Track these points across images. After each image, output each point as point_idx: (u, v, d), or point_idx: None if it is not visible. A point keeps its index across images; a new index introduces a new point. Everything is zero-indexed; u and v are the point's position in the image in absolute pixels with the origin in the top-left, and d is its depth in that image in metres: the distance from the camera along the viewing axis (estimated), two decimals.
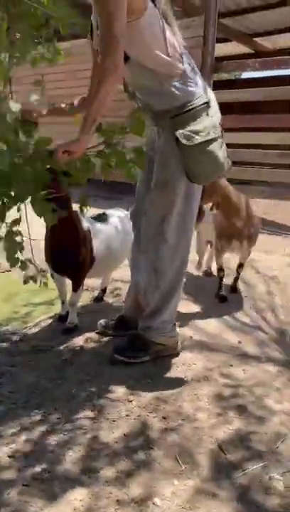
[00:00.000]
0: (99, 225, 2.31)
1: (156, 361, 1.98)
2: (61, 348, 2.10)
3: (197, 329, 2.32)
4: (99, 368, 1.93)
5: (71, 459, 1.41)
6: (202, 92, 1.77)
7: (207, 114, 1.76)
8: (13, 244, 1.51)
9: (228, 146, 1.88)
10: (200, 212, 2.09)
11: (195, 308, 2.59)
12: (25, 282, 1.88)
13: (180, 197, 1.82)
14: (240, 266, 2.81)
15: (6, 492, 1.28)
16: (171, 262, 1.91)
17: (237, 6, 6.49)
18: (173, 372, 1.93)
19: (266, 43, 8.01)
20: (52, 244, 2.11)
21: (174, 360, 2.01)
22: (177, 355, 2.04)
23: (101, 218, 2.39)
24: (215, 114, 1.79)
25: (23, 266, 1.63)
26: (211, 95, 1.82)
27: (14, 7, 1.42)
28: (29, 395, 1.74)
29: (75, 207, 1.90)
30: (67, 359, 2.00)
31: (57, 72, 5.40)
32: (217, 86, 5.24)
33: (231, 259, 2.95)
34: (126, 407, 1.67)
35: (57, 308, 2.44)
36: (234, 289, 2.82)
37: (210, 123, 1.75)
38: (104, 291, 2.68)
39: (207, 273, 3.10)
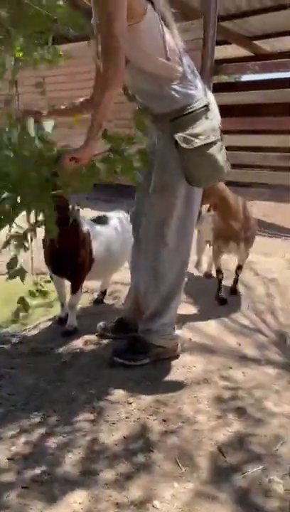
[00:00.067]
0: (98, 227, 2.31)
1: (155, 364, 1.98)
2: (60, 350, 2.10)
3: (196, 331, 2.32)
4: (99, 371, 1.93)
5: (70, 462, 1.41)
6: (201, 95, 1.77)
7: (207, 118, 1.76)
8: (17, 250, 1.51)
9: (228, 148, 1.88)
10: (198, 214, 2.09)
11: (194, 310, 2.59)
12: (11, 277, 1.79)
13: (180, 200, 1.82)
14: (239, 268, 2.81)
15: (6, 494, 1.28)
16: (171, 266, 1.91)
17: (236, 9, 6.51)
18: (173, 375, 1.93)
19: (266, 45, 8.04)
20: (50, 246, 2.11)
21: (174, 363, 2.01)
22: (177, 357, 2.04)
23: (101, 220, 2.40)
24: (214, 118, 1.79)
25: (21, 273, 1.60)
26: (211, 98, 1.82)
27: (19, 10, 1.42)
28: (28, 397, 1.74)
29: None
30: (67, 361, 2.00)
31: (58, 75, 5.42)
32: (217, 88, 5.24)
33: (230, 261, 2.95)
34: (125, 410, 1.67)
35: (56, 311, 2.44)
36: (233, 291, 2.82)
37: (209, 126, 1.75)
38: (103, 293, 2.68)
39: (208, 275, 3.10)
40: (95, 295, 2.71)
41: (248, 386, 1.85)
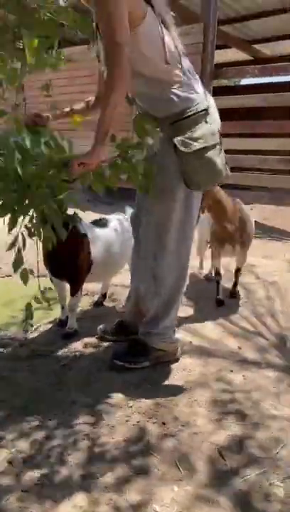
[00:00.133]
0: (97, 230, 2.31)
1: (155, 367, 1.98)
2: (60, 353, 2.10)
3: (197, 334, 2.32)
4: (99, 373, 1.93)
5: (70, 465, 1.41)
6: (201, 98, 1.77)
7: (206, 122, 1.75)
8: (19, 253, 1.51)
9: (228, 152, 1.88)
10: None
11: (195, 313, 2.58)
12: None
13: (179, 204, 1.82)
14: (238, 271, 2.82)
15: (5, 498, 1.27)
16: (171, 269, 1.91)
17: (236, 14, 6.54)
18: (173, 378, 1.92)
19: (266, 49, 8.08)
20: (49, 249, 2.11)
21: (174, 366, 2.01)
22: (177, 360, 2.04)
23: (101, 223, 2.40)
24: (213, 122, 1.79)
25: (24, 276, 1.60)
26: (211, 102, 1.82)
27: (26, 14, 1.43)
28: (28, 400, 1.73)
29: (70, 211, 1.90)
30: (67, 364, 1.99)
31: (58, 78, 5.45)
32: (217, 92, 5.26)
33: (231, 263, 2.95)
34: (125, 413, 1.67)
35: (56, 313, 2.44)
36: (233, 294, 2.82)
37: (208, 130, 1.75)
38: (104, 296, 2.68)
39: (208, 278, 3.10)
40: (95, 298, 2.71)
41: (248, 389, 1.85)
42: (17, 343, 2.18)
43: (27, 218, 1.49)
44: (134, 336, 2.04)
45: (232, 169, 1.88)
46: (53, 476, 1.36)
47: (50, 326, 2.37)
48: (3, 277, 3.05)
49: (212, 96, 1.92)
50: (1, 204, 1.40)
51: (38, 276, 1.69)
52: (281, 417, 1.67)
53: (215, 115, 1.82)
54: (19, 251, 1.50)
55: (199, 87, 1.80)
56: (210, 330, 2.38)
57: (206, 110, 1.76)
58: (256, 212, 5.17)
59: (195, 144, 1.71)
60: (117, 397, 1.76)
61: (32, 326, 2.29)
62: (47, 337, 2.25)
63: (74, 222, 2.02)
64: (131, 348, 2.00)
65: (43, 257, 2.17)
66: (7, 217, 1.45)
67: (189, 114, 1.73)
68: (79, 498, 1.28)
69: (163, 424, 1.61)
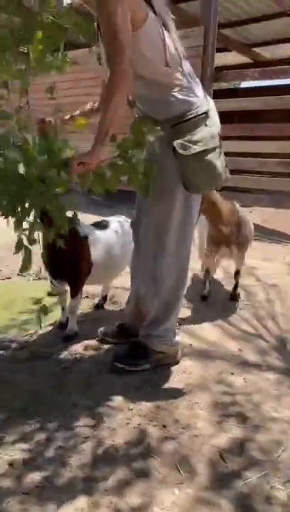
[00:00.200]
0: (98, 232, 2.31)
1: (156, 369, 1.98)
2: (61, 355, 2.09)
3: (197, 337, 2.32)
4: (99, 376, 1.92)
5: (71, 467, 1.40)
6: (201, 101, 1.77)
7: (206, 125, 1.75)
8: (27, 252, 1.51)
9: (228, 154, 1.88)
10: None
11: (195, 315, 2.58)
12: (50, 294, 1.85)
13: (179, 206, 1.82)
14: (237, 273, 2.82)
15: (6, 501, 1.27)
16: (170, 271, 1.91)
17: (236, 17, 6.57)
18: (173, 381, 1.92)
19: (265, 52, 8.11)
20: (48, 251, 2.11)
21: (174, 368, 2.00)
22: (177, 363, 2.04)
23: (101, 225, 2.40)
24: (213, 125, 1.78)
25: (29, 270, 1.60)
26: (211, 105, 1.82)
27: (30, 18, 1.43)
28: (28, 402, 1.73)
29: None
30: (67, 366, 1.99)
31: (63, 81, 5.48)
32: (218, 95, 5.28)
33: (231, 265, 2.95)
34: (126, 415, 1.67)
35: (56, 315, 2.44)
36: (233, 296, 2.82)
37: (208, 133, 1.75)
38: (104, 298, 2.68)
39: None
40: (96, 300, 2.71)
41: (248, 391, 1.85)
42: (17, 345, 2.18)
43: (27, 221, 1.50)
44: (135, 339, 2.04)
45: (232, 172, 1.89)
46: (54, 479, 1.36)
47: (50, 328, 2.37)
48: (3, 279, 3.05)
49: (213, 99, 1.93)
50: (4, 205, 1.41)
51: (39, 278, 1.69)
52: (282, 419, 1.67)
53: (214, 118, 1.82)
54: (26, 249, 1.49)
55: (199, 90, 1.80)
56: (211, 332, 2.39)
57: (206, 113, 1.76)
58: (255, 215, 5.18)
59: (195, 146, 1.71)
60: (118, 399, 1.76)
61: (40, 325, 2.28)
62: (47, 339, 2.25)
63: (74, 224, 2.02)
64: (132, 350, 2.00)
65: (43, 260, 2.17)
66: (11, 219, 1.45)
67: (189, 117, 1.73)
68: (80, 501, 1.28)
69: (164, 426, 1.61)
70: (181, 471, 1.40)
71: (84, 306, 2.62)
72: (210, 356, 2.13)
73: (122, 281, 2.75)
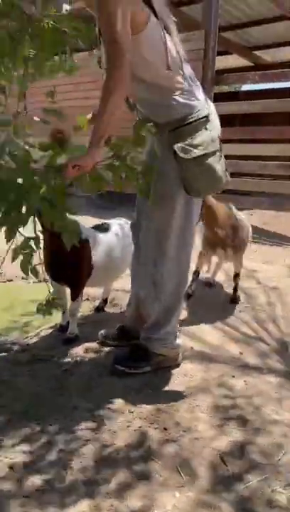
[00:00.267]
0: (98, 234, 2.32)
1: (156, 372, 1.98)
2: (61, 358, 2.09)
3: (198, 340, 2.32)
4: (100, 379, 1.92)
5: (71, 470, 1.40)
6: (202, 105, 1.77)
7: (207, 128, 1.75)
8: (26, 256, 1.50)
9: (228, 157, 1.88)
10: None
11: (196, 318, 2.58)
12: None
13: (179, 210, 1.82)
14: (236, 276, 2.83)
15: (7, 504, 1.27)
16: (171, 276, 1.91)
17: (237, 20, 6.59)
18: (174, 383, 1.92)
19: (266, 56, 8.13)
20: (49, 253, 2.12)
21: (175, 371, 2.00)
22: (178, 366, 2.04)
23: (102, 228, 2.41)
24: (214, 128, 1.78)
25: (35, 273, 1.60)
26: (211, 108, 1.82)
27: (28, 23, 1.43)
28: (29, 405, 1.73)
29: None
30: (68, 369, 1.99)
31: (66, 84, 5.49)
32: (219, 98, 5.29)
33: (231, 268, 2.95)
34: (126, 418, 1.66)
35: (57, 318, 2.44)
36: (233, 299, 2.82)
37: (208, 137, 1.75)
38: (105, 301, 2.68)
39: (208, 283, 3.10)
40: (96, 303, 2.71)
41: (249, 394, 1.84)
42: (18, 348, 2.18)
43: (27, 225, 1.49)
44: (135, 341, 2.04)
45: (232, 175, 1.89)
46: (55, 482, 1.35)
47: (50, 331, 2.37)
48: (4, 282, 3.05)
49: (214, 102, 1.93)
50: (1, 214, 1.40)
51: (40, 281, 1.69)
52: (283, 422, 1.67)
53: (215, 122, 1.82)
54: (24, 256, 1.49)
55: (200, 93, 1.80)
56: (211, 335, 2.38)
57: (207, 117, 1.76)
58: (256, 218, 5.19)
59: (195, 150, 1.71)
60: (118, 402, 1.76)
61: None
62: (48, 342, 2.25)
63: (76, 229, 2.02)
64: (133, 353, 2.00)
65: (43, 262, 2.17)
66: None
67: (190, 120, 1.73)
68: (81, 504, 1.27)
69: (165, 429, 1.61)
70: (182, 474, 1.40)
71: (85, 308, 2.62)
72: (210, 359, 2.13)
73: (123, 284, 2.75)
